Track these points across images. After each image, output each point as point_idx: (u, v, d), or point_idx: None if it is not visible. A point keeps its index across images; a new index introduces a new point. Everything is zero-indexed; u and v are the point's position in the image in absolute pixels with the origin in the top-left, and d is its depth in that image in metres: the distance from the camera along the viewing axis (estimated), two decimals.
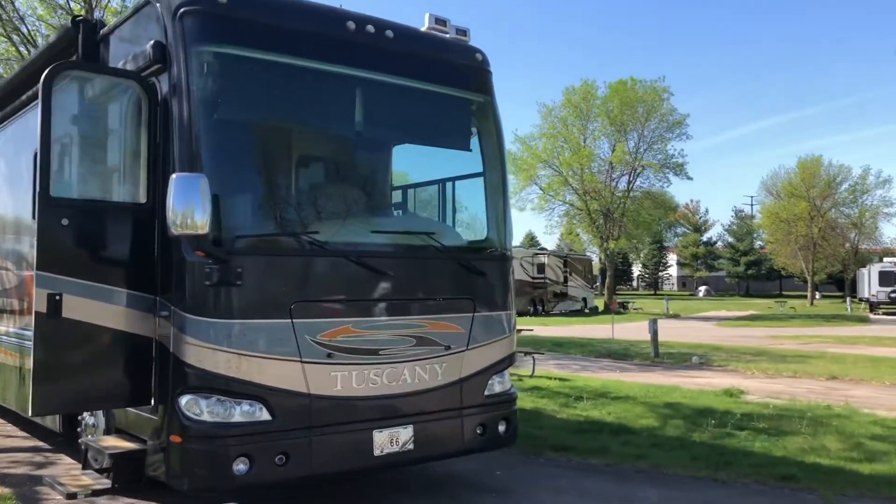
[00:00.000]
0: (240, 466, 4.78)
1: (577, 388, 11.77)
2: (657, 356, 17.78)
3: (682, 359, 17.61)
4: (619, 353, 18.64)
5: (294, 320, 5.03)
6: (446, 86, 6.24)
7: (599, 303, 48.40)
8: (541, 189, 45.73)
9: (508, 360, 6.34)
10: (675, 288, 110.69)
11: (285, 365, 5.00)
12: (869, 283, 47.04)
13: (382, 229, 5.70)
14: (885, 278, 45.54)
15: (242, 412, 4.85)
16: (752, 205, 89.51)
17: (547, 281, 43.66)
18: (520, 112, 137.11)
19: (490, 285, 6.22)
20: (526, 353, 14.44)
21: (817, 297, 67.42)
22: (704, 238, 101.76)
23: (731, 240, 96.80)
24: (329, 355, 5.16)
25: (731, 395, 11.29)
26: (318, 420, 5.11)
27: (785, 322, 35.95)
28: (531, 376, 13.19)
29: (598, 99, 45.18)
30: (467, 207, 6.55)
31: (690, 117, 48.99)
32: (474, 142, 6.49)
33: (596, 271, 54.82)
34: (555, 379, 13.00)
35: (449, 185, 6.54)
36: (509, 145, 45.66)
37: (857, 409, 10.08)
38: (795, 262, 67.95)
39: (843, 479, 6.62)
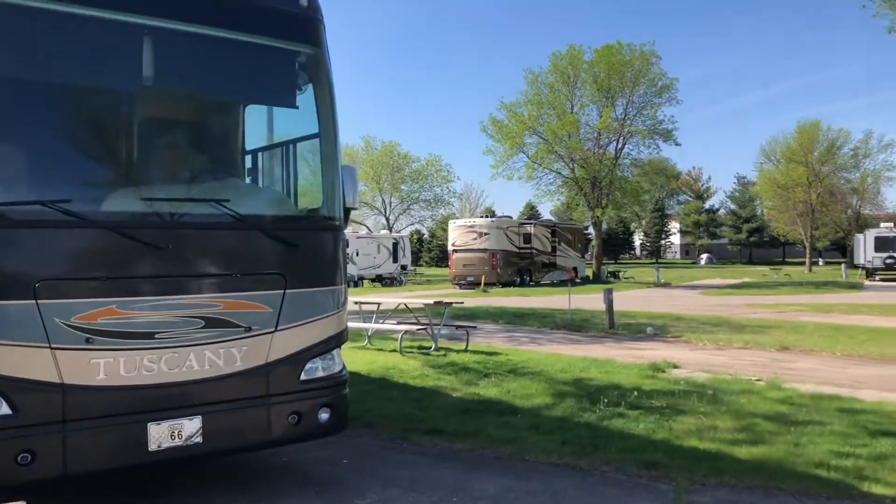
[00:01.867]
0: None
1: (496, 364, 11.21)
2: (612, 327, 17.23)
3: (637, 329, 17.05)
4: (576, 325, 18.06)
5: (39, 301, 4.43)
6: (259, 35, 5.55)
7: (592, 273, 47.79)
8: (528, 157, 44.83)
9: (336, 340, 5.75)
10: (678, 256, 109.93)
11: (29, 352, 4.40)
12: (864, 249, 46.18)
13: (159, 196, 5.05)
14: (881, 244, 44.69)
15: None
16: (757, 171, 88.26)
17: (533, 251, 43.05)
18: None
19: (309, 259, 5.62)
20: (458, 327, 13.91)
21: (820, 263, 66.57)
22: (707, 205, 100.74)
23: (733, 207, 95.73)
24: (88, 340, 4.58)
25: (657, 370, 10.71)
26: (74, 413, 4.54)
27: (773, 290, 35.29)
28: (463, 350, 12.63)
29: (584, 64, 44.05)
30: (287, 172, 5.93)
31: (695, 85, 47.61)
32: (299, 98, 5.86)
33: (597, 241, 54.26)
34: (482, 353, 12.42)
35: (264, 146, 5.91)
36: (496, 112, 44.84)
37: (779, 384, 9.48)
38: (795, 228, 66.95)
39: (710, 466, 6.04)
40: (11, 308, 4.38)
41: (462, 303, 15.15)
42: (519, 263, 41.94)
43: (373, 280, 46.59)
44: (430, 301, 12.90)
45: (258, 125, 5.98)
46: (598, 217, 45.57)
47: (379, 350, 12.77)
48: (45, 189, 4.69)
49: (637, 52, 43.55)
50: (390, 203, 62.27)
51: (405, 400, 8.76)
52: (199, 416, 4.97)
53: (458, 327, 13.93)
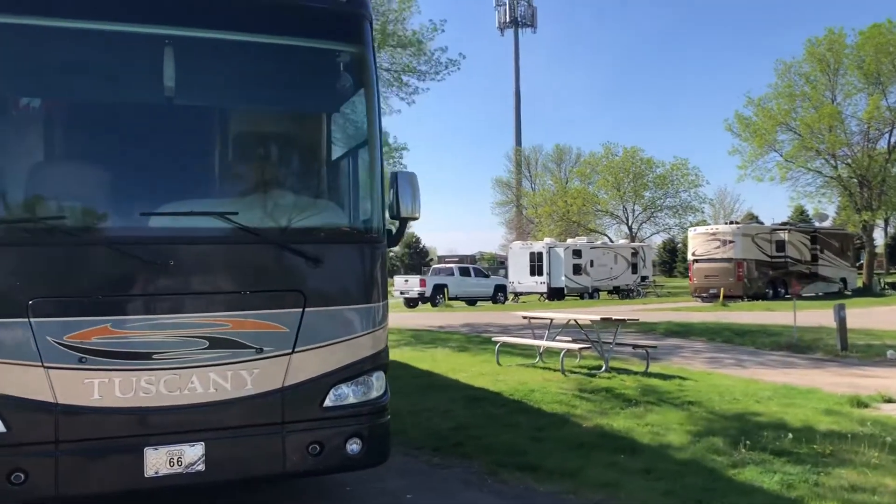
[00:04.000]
0: None
1: (664, 391, 9.89)
2: (844, 349, 14.71)
3: (877, 353, 14.41)
4: (802, 346, 15.71)
5: (32, 319, 4.43)
6: (294, 36, 5.21)
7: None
8: (780, 156, 40.69)
9: (371, 362, 5.21)
10: None
11: (21, 370, 4.42)
12: None
13: (159, 210, 4.85)
14: None
15: None
16: None
17: (788, 260, 38.81)
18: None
19: (335, 275, 5.16)
20: (636, 347, 12.62)
21: None
22: None
23: None
24: (81, 360, 4.50)
25: (858, 404, 8.80)
26: (68, 434, 4.48)
27: None
28: (642, 373, 11.41)
29: (847, 48, 39.05)
30: (316, 182, 5.51)
31: None
32: (335, 102, 5.45)
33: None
34: (660, 377, 11.08)
35: (292, 154, 5.53)
36: (742, 109, 41.37)
37: None
38: None
39: None
40: (4, 325, 4.41)
41: (637, 320, 13.75)
42: (770, 274, 38.04)
43: (610, 292, 45.03)
44: (597, 318, 11.80)
45: (286, 130, 5.62)
46: (866, 221, 40.03)
47: (545, 368, 11.95)
48: (39, 206, 4.70)
49: None
50: (633, 211, 59.96)
51: (527, 428, 7.96)
52: (202, 443, 4.70)
53: (635, 347, 12.63)
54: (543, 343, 12.35)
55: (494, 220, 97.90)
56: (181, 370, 4.68)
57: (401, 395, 9.94)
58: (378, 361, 5.30)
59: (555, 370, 11.67)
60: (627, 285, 45.56)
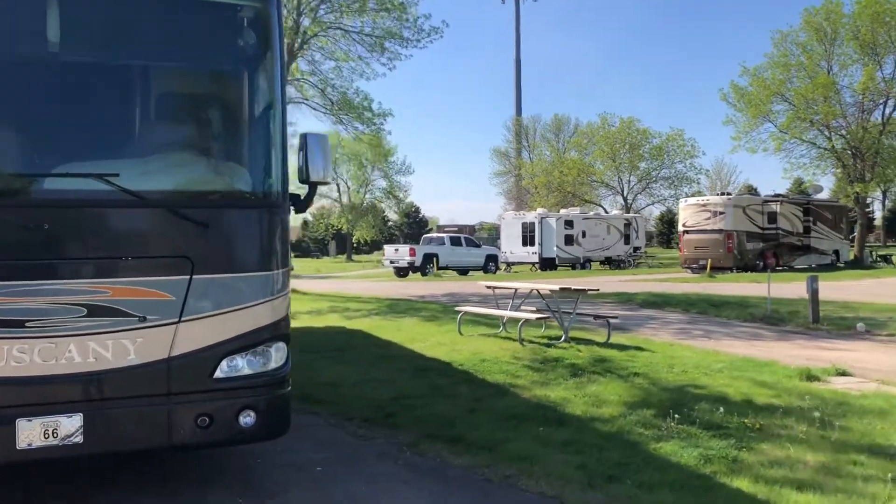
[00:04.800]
0: None
1: (617, 362, 9.70)
2: (815, 322, 14.51)
3: (848, 325, 14.21)
4: (776, 318, 15.52)
5: None
6: None
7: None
8: (775, 127, 40.20)
9: (269, 332, 5.02)
10: None
11: None
12: None
13: (39, 172, 4.61)
14: None
15: None
16: None
17: (780, 231, 38.50)
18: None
19: (227, 241, 4.97)
20: (597, 318, 12.43)
21: None
22: None
23: None
24: None
25: (808, 377, 8.62)
26: None
27: None
28: (603, 344, 11.21)
29: (844, 17, 38.38)
30: (210, 142, 5.26)
31: None
32: (234, 59, 5.18)
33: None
34: (618, 348, 10.87)
35: (183, 111, 5.27)
36: (737, 78, 40.82)
37: None
38: None
39: None
40: None
41: (598, 290, 13.50)
42: (761, 246, 37.76)
43: (602, 262, 44.84)
44: (556, 287, 11.59)
45: (180, 88, 5.35)
46: (858, 193, 39.64)
47: (506, 338, 11.76)
48: None
49: None
50: (629, 182, 59.51)
51: (465, 399, 7.80)
52: (80, 414, 4.52)
53: (596, 317, 12.42)
54: (505, 313, 12.16)
55: (494, 190, 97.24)
56: (57, 339, 4.49)
57: (351, 365, 9.83)
58: (277, 331, 5.11)
59: (514, 340, 11.49)
60: (619, 256, 45.33)
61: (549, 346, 11.00)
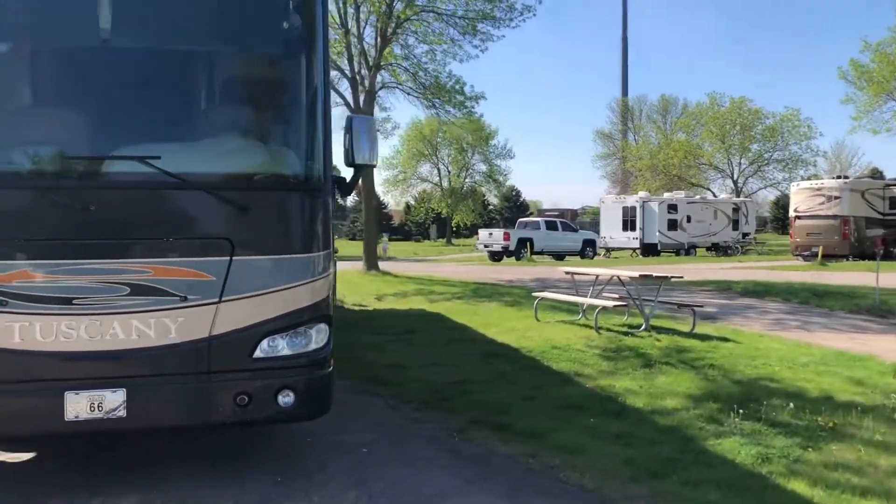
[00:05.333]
0: None
1: (697, 353, 9.27)
2: None
3: None
4: (885, 310, 14.49)
5: None
6: None
7: None
8: None
9: (308, 313, 5.04)
10: None
11: None
12: None
13: (82, 153, 4.76)
14: None
15: None
16: None
17: None
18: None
19: (266, 223, 5.01)
20: (680, 306, 11.94)
21: None
22: None
23: None
24: (2, 303, 4.54)
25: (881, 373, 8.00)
26: None
27: None
28: (687, 334, 10.77)
29: None
30: (251, 125, 5.29)
31: None
32: (275, 40, 5.21)
33: None
34: (701, 338, 10.40)
35: (224, 95, 5.33)
36: (857, 54, 38.31)
37: None
38: None
39: None
40: None
41: (682, 277, 12.90)
42: (882, 232, 35.37)
43: (708, 249, 43.22)
44: (636, 274, 11.19)
45: (220, 71, 5.39)
46: None
47: (584, 326, 11.48)
48: None
49: None
50: (739, 164, 56.97)
51: (525, 386, 7.66)
52: (124, 389, 4.68)
53: (680, 306, 11.93)
54: (583, 300, 11.88)
55: (597, 173, 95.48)
56: (102, 316, 4.65)
57: (421, 348, 9.84)
58: (318, 312, 5.13)
59: (592, 328, 11.20)
60: (726, 242, 43.52)
61: (627, 334, 10.66)
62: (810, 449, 5.47)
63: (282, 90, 5.28)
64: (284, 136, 5.25)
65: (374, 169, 4.68)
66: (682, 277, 12.75)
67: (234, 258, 4.86)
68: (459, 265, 33.10)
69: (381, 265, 25.43)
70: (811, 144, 54.59)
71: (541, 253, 36.94)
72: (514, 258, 35.72)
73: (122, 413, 4.67)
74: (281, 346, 5.01)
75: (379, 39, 23.05)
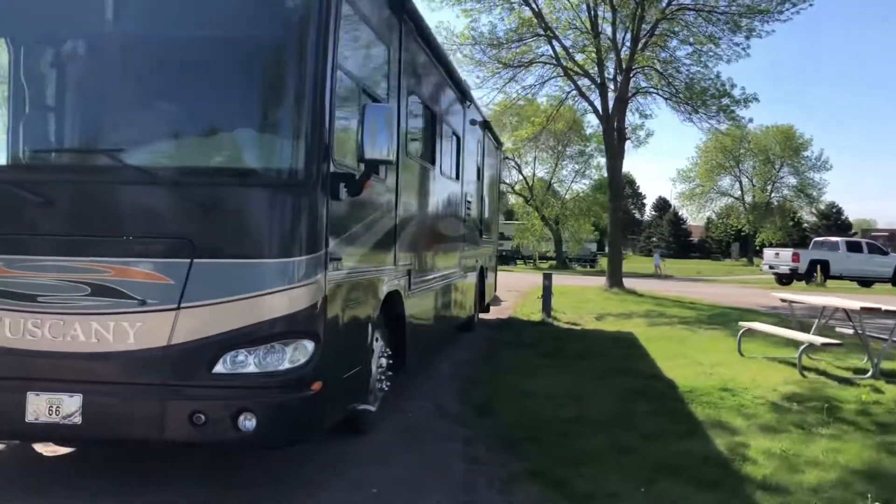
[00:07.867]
0: None
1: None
2: None
3: None
4: None
5: None
6: None
7: None
8: None
9: (280, 326, 4.42)
10: None
11: None
12: None
13: (48, 147, 4.57)
14: None
15: None
16: None
17: None
18: None
19: (235, 223, 4.48)
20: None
21: None
22: None
23: None
24: None
25: None
26: None
27: None
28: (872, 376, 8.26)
29: None
30: (228, 117, 4.72)
31: None
32: (252, 23, 4.67)
33: None
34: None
35: (202, 87, 4.79)
36: None
37: None
38: None
39: None
40: None
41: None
42: None
43: None
44: (856, 306, 8.76)
45: (199, 60, 4.85)
46: None
47: (794, 366, 9.32)
48: None
49: None
50: None
51: (637, 434, 6.21)
52: (80, 395, 4.44)
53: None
54: (791, 333, 9.72)
55: None
56: (65, 315, 4.48)
57: (572, 376, 8.76)
58: (296, 326, 4.49)
59: (807, 369, 9.06)
60: None
61: (844, 381, 8.42)
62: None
63: (253, 75, 4.71)
64: (258, 127, 4.70)
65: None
66: None
67: (195, 260, 4.39)
68: (734, 287, 29.94)
69: (632, 283, 23.81)
70: None
71: (839, 277, 32.20)
72: (804, 282, 31.51)
73: (78, 420, 4.42)
74: (247, 361, 4.44)
75: (631, 43, 21.64)
